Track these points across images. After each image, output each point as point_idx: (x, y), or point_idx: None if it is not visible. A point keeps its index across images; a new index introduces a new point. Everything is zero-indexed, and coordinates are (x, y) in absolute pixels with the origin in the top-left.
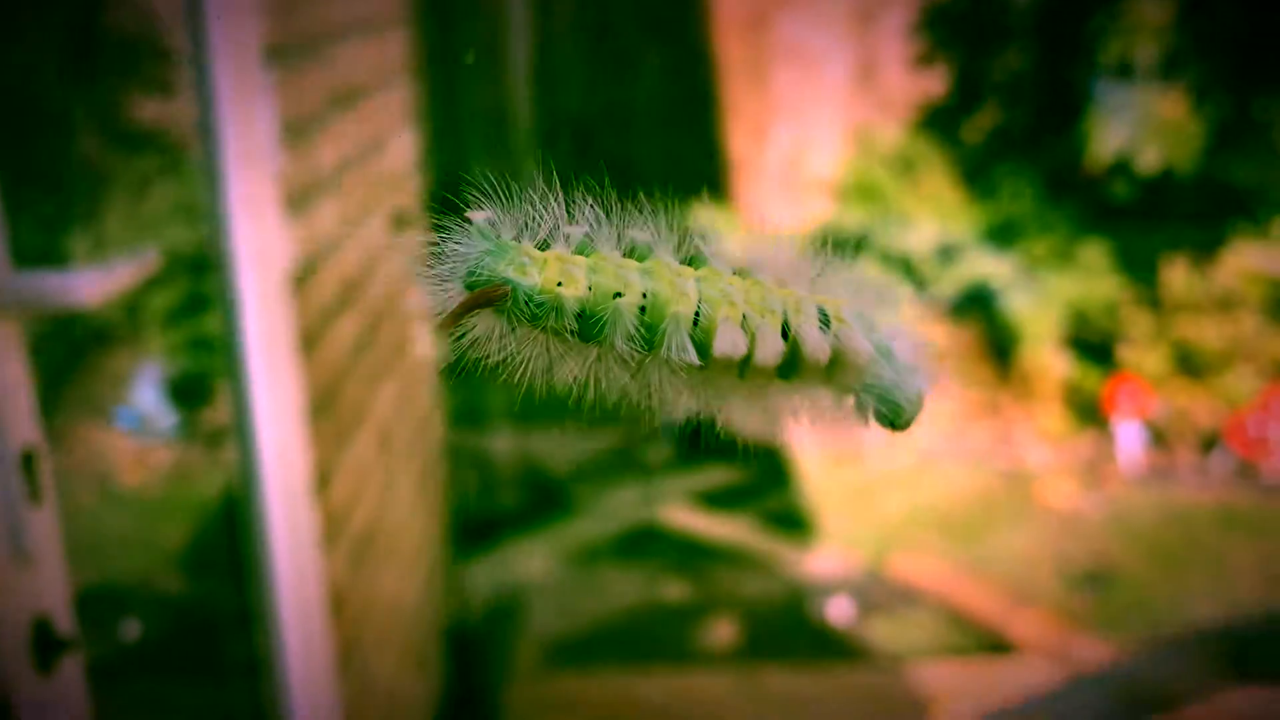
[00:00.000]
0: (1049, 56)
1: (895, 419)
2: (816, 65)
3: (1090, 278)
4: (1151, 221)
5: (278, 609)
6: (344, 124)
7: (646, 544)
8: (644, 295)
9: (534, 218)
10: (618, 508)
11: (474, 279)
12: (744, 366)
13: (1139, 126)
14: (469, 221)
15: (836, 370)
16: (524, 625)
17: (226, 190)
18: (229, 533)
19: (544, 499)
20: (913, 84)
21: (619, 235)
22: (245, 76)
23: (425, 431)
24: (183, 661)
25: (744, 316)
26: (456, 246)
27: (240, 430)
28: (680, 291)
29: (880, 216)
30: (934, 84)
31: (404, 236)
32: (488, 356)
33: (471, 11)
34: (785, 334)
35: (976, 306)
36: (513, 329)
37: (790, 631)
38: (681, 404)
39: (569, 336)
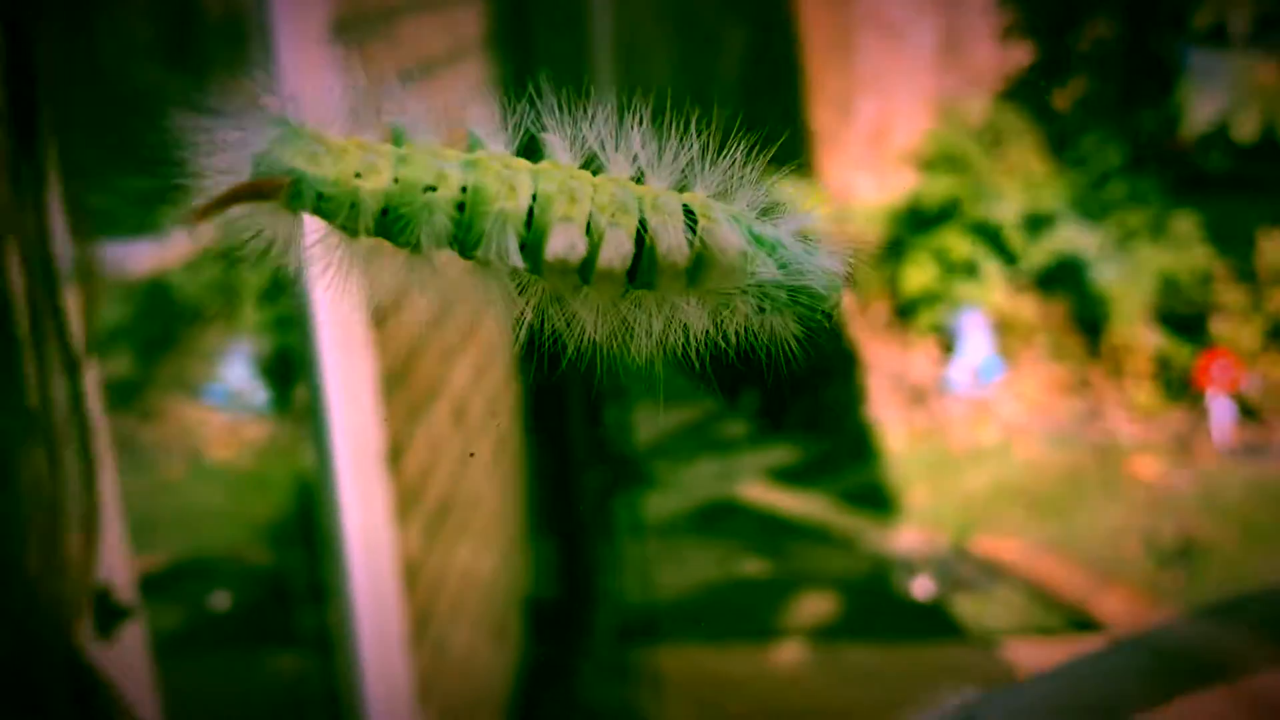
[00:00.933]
0: (1138, 24)
1: (812, 309)
2: (901, 37)
3: (1182, 249)
4: (1246, 192)
5: (350, 581)
6: (413, 101)
7: (725, 519)
8: (463, 190)
9: (356, 109)
10: (695, 483)
11: (258, 169)
12: (588, 273)
13: (1233, 94)
14: (259, 105)
15: (705, 273)
16: (602, 598)
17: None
18: (307, 506)
19: (622, 473)
20: (999, 54)
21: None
22: (311, 52)
23: (501, 405)
24: (264, 632)
25: (590, 216)
26: (238, 134)
27: (314, 404)
28: (508, 185)
29: (967, 188)
30: (1021, 54)
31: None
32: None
33: None
34: (641, 236)
35: (1065, 279)
36: (329, 231)
37: (872, 608)
38: (522, 319)
39: (373, 236)
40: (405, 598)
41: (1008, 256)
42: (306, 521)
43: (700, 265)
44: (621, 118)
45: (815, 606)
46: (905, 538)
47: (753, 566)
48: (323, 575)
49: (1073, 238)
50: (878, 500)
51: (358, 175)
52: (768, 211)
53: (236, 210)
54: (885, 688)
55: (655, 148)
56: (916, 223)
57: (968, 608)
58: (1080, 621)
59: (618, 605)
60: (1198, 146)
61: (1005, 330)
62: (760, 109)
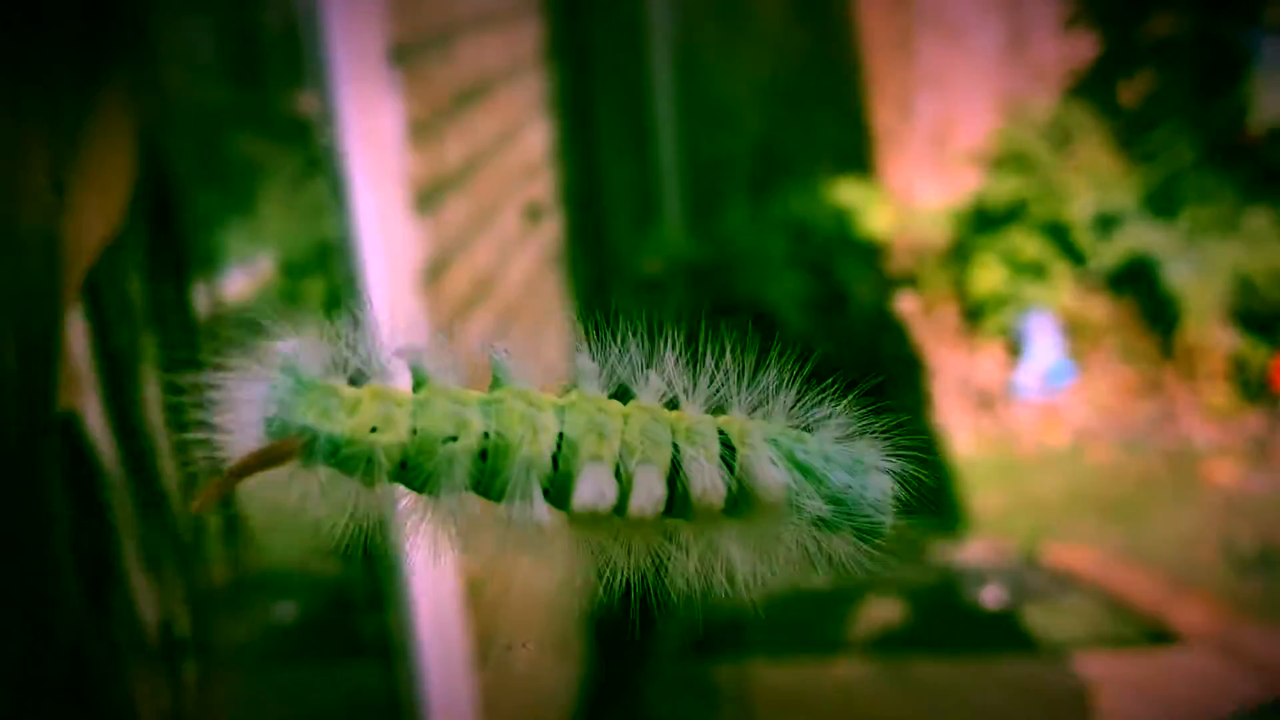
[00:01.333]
0: (1208, 15)
1: (860, 531)
2: (963, 34)
3: (1257, 247)
4: None
5: (412, 595)
6: (472, 118)
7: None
8: (485, 436)
9: (355, 342)
10: None
11: (270, 428)
12: (620, 516)
13: None
14: (269, 354)
15: (745, 507)
16: (666, 613)
17: (353, 190)
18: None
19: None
20: (1063, 49)
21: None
22: (369, 75)
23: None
24: (328, 645)
25: (620, 455)
26: (247, 388)
27: None
28: (531, 428)
29: (1034, 188)
30: (1086, 49)
31: (537, 229)
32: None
33: None
34: (677, 470)
35: (1136, 278)
36: (328, 484)
37: (940, 619)
38: (547, 561)
39: (394, 486)
40: (468, 612)
41: (1077, 257)
42: (371, 540)
43: (741, 499)
44: (652, 338)
45: (882, 618)
46: (974, 547)
47: (818, 577)
48: (386, 588)
49: (1143, 236)
50: (945, 508)
51: (374, 430)
52: (811, 424)
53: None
54: (955, 701)
55: (687, 367)
56: (982, 224)
57: (1039, 618)
58: (1156, 632)
59: (681, 620)
60: (1271, 140)
61: (1075, 332)
62: (821, 111)
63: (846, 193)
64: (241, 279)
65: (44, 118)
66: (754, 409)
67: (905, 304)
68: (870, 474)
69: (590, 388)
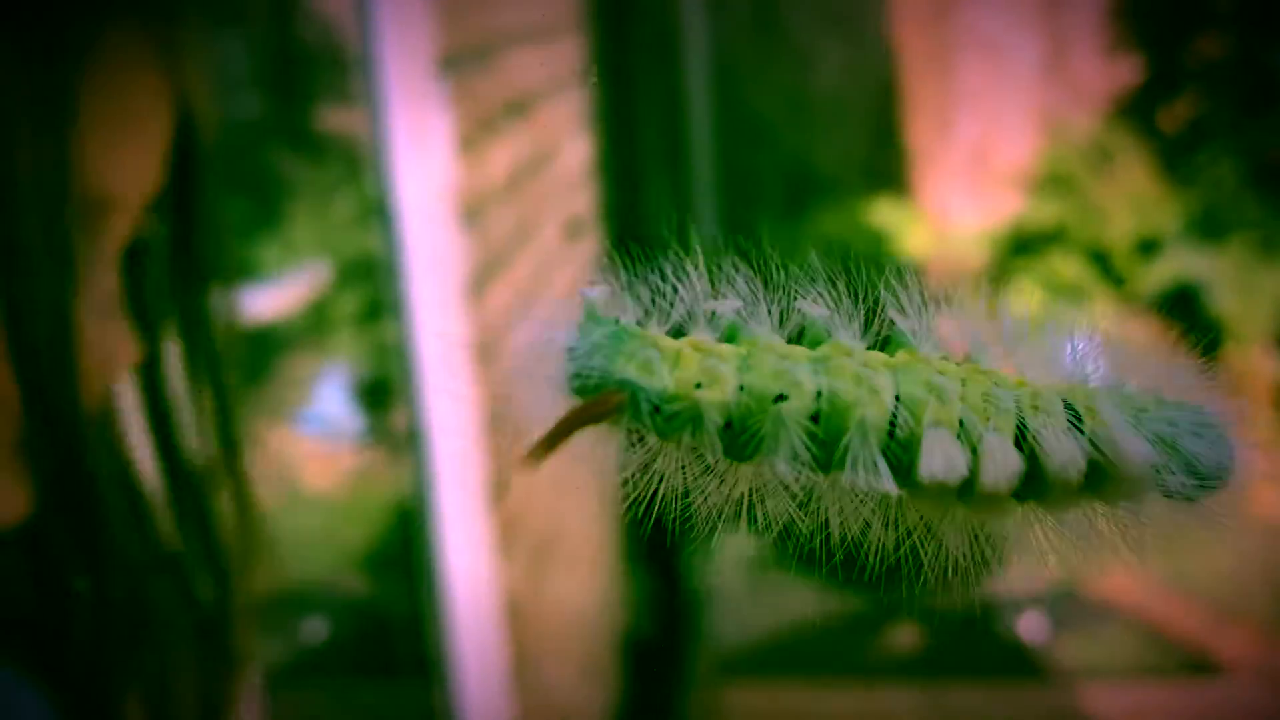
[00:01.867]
0: (1253, 38)
1: (1194, 497)
2: (1003, 54)
3: None
4: None
5: (453, 615)
6: (517, 132)
7: (825, 553)
8: (817, 396)
9: (670, 288)
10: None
11: (583, 382)
12: (966, 491)
13: None
14: (583, 299)
15: (1100, 484)
16: (702, 635)
17: (399, 202)
18: (407, 537)
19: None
20: (1105, 70)
21: (782, 310)
22: (418, 88)
23: (604, 440)
24: (363, 663)
25: (961, 422)
26: (558, 338)
27: (416, 438)
28: (869, 389)
29: (1075, 211)
30: (1128, 70)
31: (579, 244)
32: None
33: (646, 13)
34: (1021, 442)
35: (1179, 304)
36: (637, 444)
37: (977, 647)
38: (877, 540)
39: (716, 455)
40: (508, 633)
41: (1117, 281)
42: (406, 552)
43: (1097, 479)
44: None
45: (918, 644)
46: (1012, 573)
47: (854, 602)
48: (423, 607)
49: (1186, 261)
50: (983, 534)
51: (698, 385)
52: (1147, 388)
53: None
54: None
55: (1020, 327)
56: (1020, 247)
57: (1078, 648)
58: (1198, 663)
59: (715, 642)
60: None
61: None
62: (857, 130)
63: (882, 213)
64: (292, 288)
65: (44, 55)
66: (1081, 373)
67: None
68: (1214, 432)
69: (923, 347)
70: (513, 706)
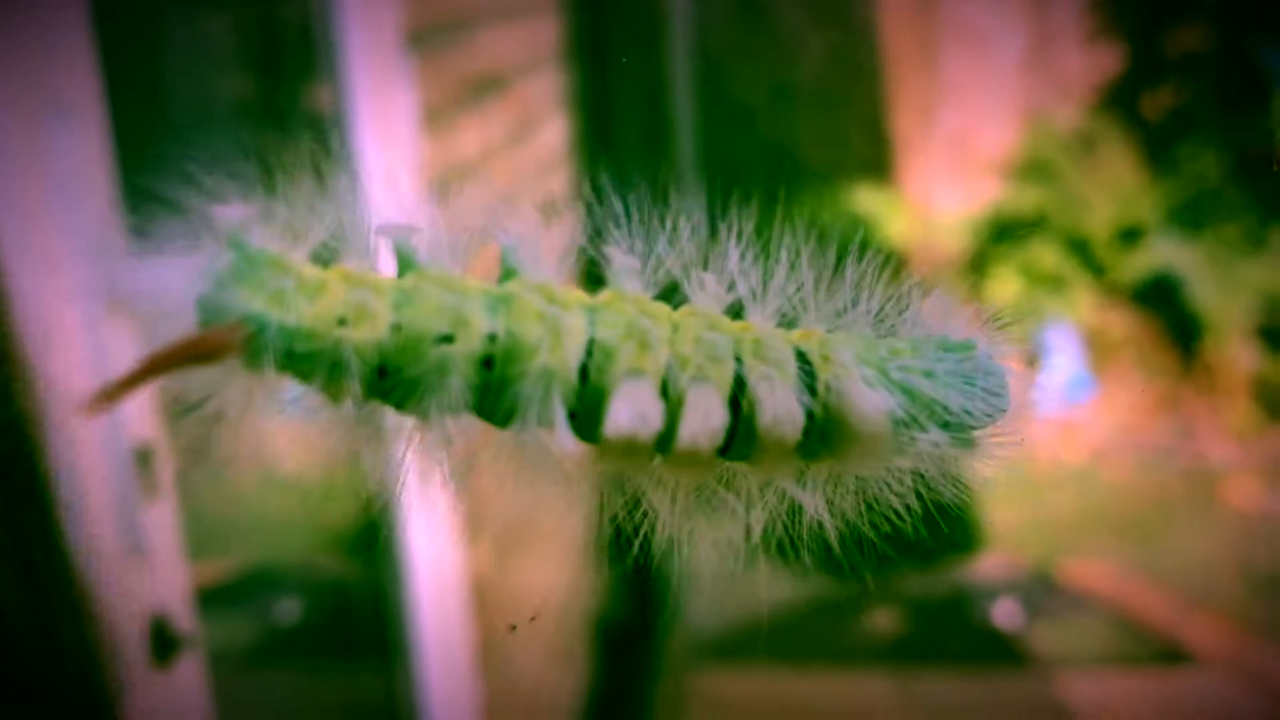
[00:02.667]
0: (1234, 29)
1: (964, 443)
2: (986, 44)
3: None
4: None
5: (416, 598)
6: (490, 110)
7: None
8: (491, 339)
9: (326, 213)
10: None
11: (204, 312)
12: (665, 449)
13: None
14: (212, 220)
15: (833, 445)
16: (674, 620)
17: (363, 178)
18: (373, 520)
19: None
20: (1088, 61)
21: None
22: (384, 63)
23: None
24: (329, 646)
25: (667, 369)
26: (177, 262)
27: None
28: (552, 330)
29: (1056, 199)
30: (1110, 61)
31: (554, 226)
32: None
33: None
34: (740, 394)
35: (1159, 294)
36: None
37: (952, 634)
38: (556, 505)
39: (369, 402)
40: (474, 617)
41: (1097, 270)
42: (372, 535)
43: (824, 438)
44: (713, 225)
45: (894, 631)
46: (988, 562)
47: (828, 588)
48: (389, 590)
49: (1166, 251)
50: (960, 521)
51: (342, 321)
52: (901, 325)
53: (177, 375)
54: (964, 718)
55: (758, 268)
56: (1001, 234)
57: (1052, 636)
58: (1170, 653)
59: (688, 628)
60: None
61: (1094, 347)
62: (841, 118)
63: (865, 200)
64: None
65: None
66: (835, 316)
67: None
68: (986, 373)
69: (630, 285)
70: (478, 689)
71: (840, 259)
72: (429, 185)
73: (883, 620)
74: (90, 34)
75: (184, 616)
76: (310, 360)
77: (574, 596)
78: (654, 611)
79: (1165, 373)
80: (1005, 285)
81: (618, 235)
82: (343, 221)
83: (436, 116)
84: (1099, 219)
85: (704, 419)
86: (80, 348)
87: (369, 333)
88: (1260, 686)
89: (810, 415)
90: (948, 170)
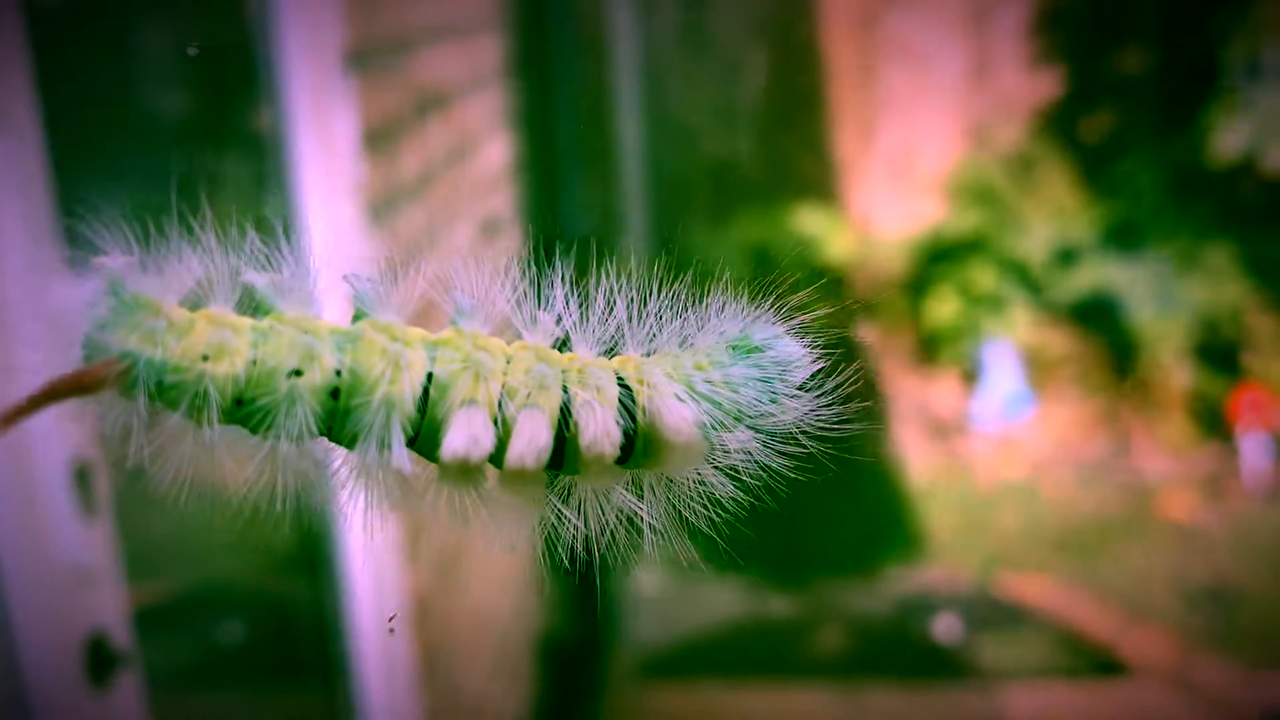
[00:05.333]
0: (1170, 56)
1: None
2: (928, 64)
3: (1216, 282)
4: None
5: (356, 615)
6: (431, 129)
7: (746, 554)
8: (337, 372)
9: (199, 263)
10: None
11: (87, 350)
12: (499, 464)
13: (1266, 126)
14: (98, 268)
15: (653, 455)
16: (621, 636)
17: (303, 197)
18: (313, 539)
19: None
20: (1028, 83)
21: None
22: (324, 83)
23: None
24: (269, 666)
25: (500, 398)
26: (68, 304)
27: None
28: (394, 364)
29: (995, 219)
30: (1050, 82)
31: (493, 245)
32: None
33: (571, 15)
34: (566, 418)
35: (1096, 312)
36: (154, 420)
37: (895, 648)
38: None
39: (227, 427)
40: (414, 633)
41: (1035, 289)
42: (315, 554)
43: (646, 448)
44: (541, 268)
45: (837, 646)
46: (929, 576)
47: (775, 604)
48: (329, 610)
49: (1103, 270)
50: (900, 538)
51: (205, 358)
52: (701, 334)
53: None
54: None
55: (579, 304)
56: (940, 255)
57: (992, 648)
58: (1108, 664)
59: (633, 644)
60: (1231, 177)
61: (1033, 365)
62: (783, 136)
63: (807, 219)
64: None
65: None
66: (650, 340)
67: (863, 333)
68: (773, 355)
69: (469, 325)
70: (419, 706)
71: (648, 289)
72: (370, 206)
73: (825, 635)
74: (27, 50)
75: (122, 635)
76: (176, 390)
77: (517, 613)
78: (598, 628)
79: (1103, 390)
80: (945, 304)
81: (459, 278)
82: (213, 268)
83: (377, 136)
84: (1037, 239)
85: (529, 440)
86: (9, 358)
87: (228, 367)
88: (1196, 697)
89: (628, 433)
90: (888, 189)
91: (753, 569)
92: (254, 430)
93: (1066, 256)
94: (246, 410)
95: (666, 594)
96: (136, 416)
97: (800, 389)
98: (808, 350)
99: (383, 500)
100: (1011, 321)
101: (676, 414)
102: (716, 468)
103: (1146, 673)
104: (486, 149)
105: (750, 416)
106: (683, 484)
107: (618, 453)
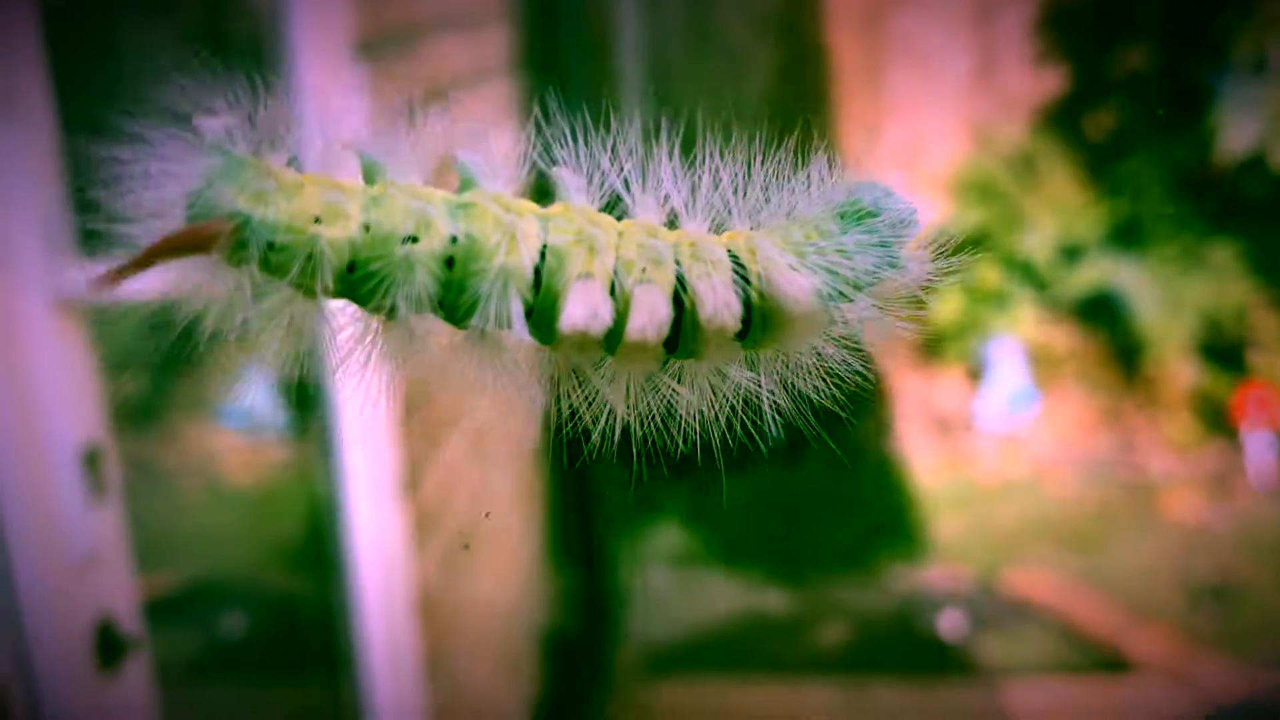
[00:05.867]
0: (1176, 52)
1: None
2: (932, 63)
3: (1221, 280)
4: None
5: (363, 608)
6: (439, 121)
7: (750, 550)
8: (453, 240)
9: (298, 125)
10: (719, 513)
11: (193, 210)
12: (614, 343)
13: (1271, 123)
14: (196, 129)
15: (771, 331)
16: (624, 631)
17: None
18: (320, 532)
19: (644, 502)
20: (1033, 81)
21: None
22: (334, 73)
23: (524, 437)
24: (276, 659)
25: (614, 272)
26: (169, 163)
27: (326, 429)
28: (509, 234)
29: (999, 217)
30: (1055, 80)
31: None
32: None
33: (578, 8)
34: (682, 293)
35: (1100, 310)
36: (259, 290)
37: (899, 645)
38: (526, 395)
39: (339, 299)
40: (421, 627)
41: (1040, 287)
42: (322, 547)
43: (765, 322)
44: (647, 146)
45: (841, 642)
46: (932, 573)
47: (778, 600)
48: (335, 602)
49: (1108, 268)
50: (904, 534)
51: (317, 220)
52: (806, 201)
53: (166, 266)
54: None
55: (688, 180)
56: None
57: (996, 645)
58: (1111, 661)
59: (638, 639)
60: (1236, 175)
61: (1037, 362)
62: (787, 132)
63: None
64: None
65: None
66: (755, 214)
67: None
68: (884, 218)
69: (577, 200)
70: (425, 700)
71: (750, 162)
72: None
73: (829, 631)
74: (41, 41)
75: (131, 620)
76: (287, 253)
77: (522, 607)
78: (602, 623)
79: (1107, 387)
80: (949, 301)
81: (565, 154)
82: (313, 134)
83: (386, 126)
84: (1042, 237)
85: (650, 314)
86: (27, 342)
87: (341, 230)
88: (1200, 694)
89: (747, 304)
90: (893, 187)
91: (757, 565)
92: (365, 299)
93: (1071, 254)
94: (359, 276)
95: (671, 588)
96: (244, 281)
97: (902, 229)
98: (915, 207)
99: (489, 380)
100: (1017, 319)
101: (795, 284)
102: (834, 340)
103: (1150, 670)
104: (494, 142)
105: (868, 283)
106: (800, 358)
107: (738, 325)
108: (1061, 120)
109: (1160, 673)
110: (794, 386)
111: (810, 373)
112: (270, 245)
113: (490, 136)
